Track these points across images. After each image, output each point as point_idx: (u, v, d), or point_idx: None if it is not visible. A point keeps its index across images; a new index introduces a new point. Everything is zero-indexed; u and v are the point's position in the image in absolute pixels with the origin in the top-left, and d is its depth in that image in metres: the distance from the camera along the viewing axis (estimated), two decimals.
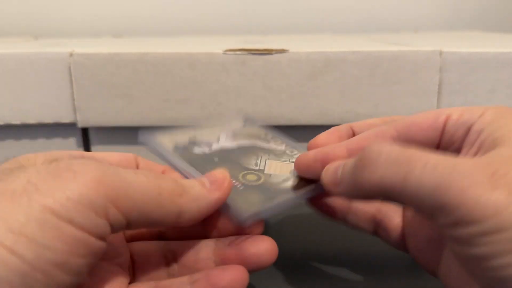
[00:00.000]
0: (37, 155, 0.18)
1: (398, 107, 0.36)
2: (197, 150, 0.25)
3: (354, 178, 0.18)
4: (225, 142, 0.27)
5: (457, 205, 0.15)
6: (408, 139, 0.21)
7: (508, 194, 0.15)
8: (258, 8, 0.75)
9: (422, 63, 0.35)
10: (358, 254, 0.28)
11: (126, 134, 0.38)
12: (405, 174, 0.16)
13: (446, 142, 0.21)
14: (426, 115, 0.21)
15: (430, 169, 0.16)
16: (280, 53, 0.35)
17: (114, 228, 0.16)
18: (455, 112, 0.20)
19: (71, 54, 0.35)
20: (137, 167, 0.24)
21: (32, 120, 0.37)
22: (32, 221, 0.14)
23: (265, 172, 0.25)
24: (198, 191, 0.19)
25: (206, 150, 0.25)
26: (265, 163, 0.26)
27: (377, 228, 0.24)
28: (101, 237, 0.16)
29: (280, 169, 0.25)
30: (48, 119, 0.37)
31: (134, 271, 0.21)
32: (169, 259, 0.22)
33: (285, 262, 0.28)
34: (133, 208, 0.16)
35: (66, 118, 0.37)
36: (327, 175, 0.21)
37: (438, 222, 0.16)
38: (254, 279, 0.27)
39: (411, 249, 0.22)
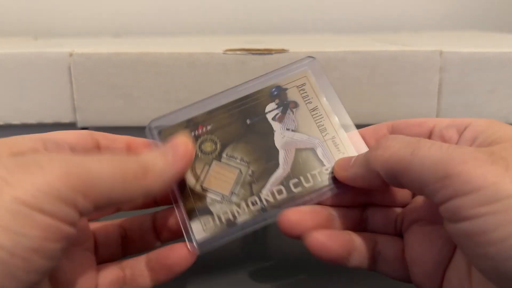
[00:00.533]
0: (7, 147, 0.18)
1: (398, 107, 0.36)
2: None
3: (366, 158, 0.20)
4: None
5: (458, 174, 0.16)
6: (397, 132, 0.23)
7: (505, 169, 0.16)
8: (258, 8, 0.75)
9: (422, 63, 0.35)
10: None
11: (126, 134, 0.38)
12: (413, 150, 0.18)
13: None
14: (420, 118, 0.23)
15: (436, 147, 0.18)
16: (280, 53, 0.35)
17: (82, 214, 0.17)
18: (444, 119, 0.22)
19: (71, 54, 0.35)
20: (97, 143, 0.23)
21: (32, 120, 0.37)
22: (5, 212, 0.15)
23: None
24: (162, 167, 0.20)
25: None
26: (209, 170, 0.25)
27: (376, 261, 0.23)
28: (71, 224, 0.16)
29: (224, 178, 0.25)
30: (48, 119, 0.37)
31: (97, 252, 0.23)
32: (124, 238, 0.24)
33: (285, 262, 0.28)
34: (100, 196, 0.17)
35: (66, 118, 0.37)
36: (340, 161, 0.23)
37: (437, 199, 0.17)
38: (254, 278, 0.27)
39: (415, 276, 0.22)
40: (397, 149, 0.19)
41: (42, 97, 0.36)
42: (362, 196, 0.24)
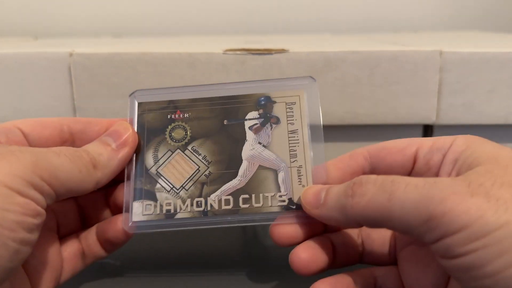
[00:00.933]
0: None
1: (398, 107, 0.36)
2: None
3: (341, 204, 0.20)
4: None
5: (441, 215, 0.16)
6: (378, 161, 0.23)
7: (485, 199, 0.16)
8: (258, 8, 0.75)
9: (422, 63, 0.35)
10: None
11: None
12: (389, 194, 0.18)
13: (421, 168, 0.22)
14: (398, 142, 0.23)
15: (411, 187, 0.17)
16: (280, 53, 0.35)
17: (47, 201, 0.20)
18: (426, 142, 0.22)
19: (71, 54, 0.35)
20: (69, 130, 0.25)
21: None
22: None
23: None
24: (107, 156, 0.23)
25: None
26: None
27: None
28: (41, 206, 0.19)
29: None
30: None
31: (58, 230, 0.25)
32: (81, 214, 0.26)
33: (285, 262, 0.28)
34: (60, 186, 0.20)
35: None
36: (308, 195, 0.22)
37: (426, 240, 0.17)
38: (254, 279, 0.27)
39: None
40: (373, 195, 0.18)
41: (42, 97, 0.36)
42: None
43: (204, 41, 0.51)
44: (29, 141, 0.24)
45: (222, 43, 0.43)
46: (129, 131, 0.24)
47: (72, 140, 0.25)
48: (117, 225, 0.24)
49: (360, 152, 0.23)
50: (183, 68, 0.35)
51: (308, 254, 0.22)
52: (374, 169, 0.23)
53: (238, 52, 0.35)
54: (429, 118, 0.36)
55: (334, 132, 0.38)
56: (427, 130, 0.38)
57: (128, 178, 0.25)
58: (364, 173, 0.23)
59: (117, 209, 0.25)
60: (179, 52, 0.35)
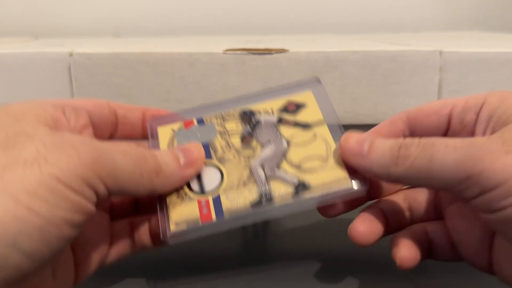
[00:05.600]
0: (34, 115, 0.20)
1: (398, 107, 0.36)
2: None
3: (387, 162, 0.21)
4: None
5: (479, 173, 0.17)
6: (416, 124, 0.24)
7: None
8: (258, 8, 0.75)
9: (422, 63, 0.35)
10: (359, 253, 0.28)
11: None
12: (430, 156, 0.19)
13: (456, 127, 0.23)
14: (432, 104, 0.24)
15: (450, 148, 0.19)
16: (280, 53, 0.35)
17: (99, 198, 0.19)
18: (459, 100, 0.23)
19: (71, 54, 0.35)
20: (114, 112, 0.25)
21: None
22: (43, 185, 0.17)
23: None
24: (172, 170, 0.22)
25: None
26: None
27: (430, 250, 0.24)
28: (92, 203, 0.19)
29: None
30: None
31: (112, 210, 0.25)
32: (135, 201, 0.26)
33: (285, 262, 0.28)
34: (116, 186, 0.20)
35: None
36: (350, 141, 0.22)
37: (466, 196, 0.18)
38: (254, 278, 0.27)
39: (465, 256, 0.23)
40: (415, 157, 0.20)
41: (42, 97, 0.36)
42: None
43: (204, 41, 0.51)
44: (92, 121, 0.24)
45: (222, 43, 0.43)
46: (200, 154, 0.24)
47: (117, 122, 0.25)
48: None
49: (399, 117, 0.24)
50: (183, 68, 0.35)
51: (365, 226, 0.23)
52: (412, 133, 0.24)
53: (238, 52, 0.35)
54: None
55: None
56: None
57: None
58: (404, 136, 0.24)
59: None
60: (179, 52, 0.35)
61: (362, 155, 0.22)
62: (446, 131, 0.23)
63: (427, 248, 0.24)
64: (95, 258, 0.23)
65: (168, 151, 0.23)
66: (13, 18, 0.74)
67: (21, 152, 0.17)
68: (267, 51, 0.35)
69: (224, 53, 0.35)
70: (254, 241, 0.32)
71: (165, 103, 0.36)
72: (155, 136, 0.26)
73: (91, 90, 0.36)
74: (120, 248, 0.24)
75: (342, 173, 0.23)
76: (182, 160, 0.23)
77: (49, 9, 0.73)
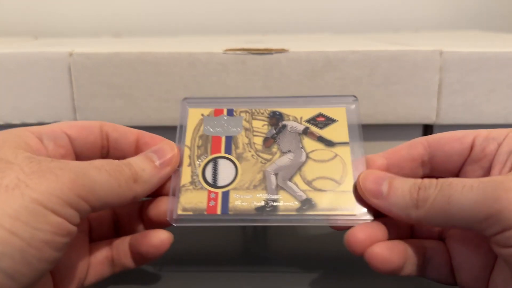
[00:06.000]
0: (13, 142, 0.21)
1: (398, 107, 0.36)
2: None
3: (407, 205, 0.21)
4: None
5: (498, 213, 0.18)
6: (437, 149, 0.24)
7: None
8: (258, 8, 0.75)
9: (422, 63, 0.35)
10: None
11: None
12: (448, 198, 0.19)
13: (477, 155, 0.23)
14: (455, 132, 0.24)
15: (467, 188, 0.19)
16: (280, 53, 0.35)
17: (82, 216, 0.20)
18: (482, 132, 0.23)
19: (71, 54, 0.35)
20: (106, 135, 0.25)
21: (32, 120, 0.37)
22: (25, 210, 0.17)
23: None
24: (149, 173, 0.23)
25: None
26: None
27: (426, 268, 0.24)
28: (74, 224, 0.19)
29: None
30: (48, 119, 0.37)
31: (91, 233, 0.26)
32: (116, 222, 0.27)
33: (285, 262, 0.28)
34: (98, 201, 0.20)
35: (66, 118, 0.37)
36: (368, 181, 0.23)
37: (487, 234, 0.19)
38: (254, 279, 0.27)
39: (463, 279, 0.23)
40: (434, 199, 0.20)
41: (42, 97, 0.36)
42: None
43: (204, 41, 0.51)
44: (75, 146, 0.24)
45: (222, 43, 0.43)
46: (174, 151, 0.25)
47: (108, 147, 0.25)
48: (151, 240, 0.24)
49: (420, 141, 0.24)
50: (183, 68, 0.35)
51: (364, 234, 0.22)
52: (432, 158, 0.24)
53: (238, 52, 0.35)
54: (429, 118, 0.36)
55: None
56: (427, 130, 0.38)
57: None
58: (423, 161, 0.24)
59: (150, 223, 0.25)
60: (179, 52, 0.35)
61: (381, 197, 0.22)
62: (467, 158, 0.23)
63: (421, 264, 0.23)
64: (74, 280, 0.23)
65: (142, 156, 0.24)
66: (13, 18, 0.73)
67: (2, 179, 0.18)
68: (267, 51, 0.35)
69: (224, 53, 0.35)
70: (254, 241, 0.32)
71: (165, 103, 0.36)
72: (185, 116, 0.27)
73: (91, 90, 0.36)
74: (99, 270, 0.24)
75: (350, 201, 0.24)
76: (157, 162, 0.24)
77: (49, 9, 0.73)
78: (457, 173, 0.24)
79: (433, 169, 0.25)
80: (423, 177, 0.25)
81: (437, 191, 0.20)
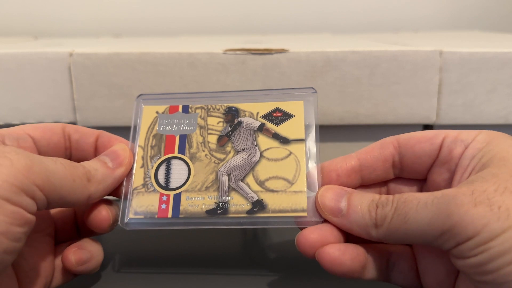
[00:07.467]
0: None
1: (398, 107, 0.36)
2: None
3: (366, 224, 0.21)
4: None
5: (450, 229, 0.18)
6: (407, 149, 0.24)
7: (487, 208, 0.17)
8: (258, 8, 0.75)
9: (422, 63, 0.35)
10: None
11: (126, 134, 0.38)
12: (404, 217, 0.19)
13: (444, 157, 0.23)
14: (426, 132, 0.24)
15: (422, 206, 0.19)
16: (280, 53, 0.35)
17: (39, 206, 0.19)
18: (453, 132, 0.23)
19: (71, 54, 0.35)
20: (69, 136, 0.25)
21: (32, 120, 0.37)
22: None
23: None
24: (102, 173, 0.23)
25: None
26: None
27: (390, 273, 0.23)
28: (31, 212, 0.19)
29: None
30: (48, 119, 0.37)
31: (56, 236, 0.26)
32: (78, 224, 0.27)
33: (284, 262, 0.28)
34: (53, 192, 0.20)
35: (66, 118, 0.37)
36: (326, 200, 0.22)
37: (444, 248, 0.19)
38: (254, 279, 0.27)
39: (428, 284, 0.22)
40: (391, 218, 0.20)
41: (42, 97, 0.36)
42: None
43: (204, 41, 0.51)
44: (38, 147, 0.24)
45: (222, 43, 0.43)
46: (126, 153, 0.25)
47: (70, 148, 0.26)
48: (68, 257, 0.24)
49: (390, 141, 0.24)
50: (183, 68, 0.35)
51: (317, 235, 0.22)
52: (402, 158, 0.24)
53: (238, 52, 0.35)
54: (429, 118, 0.36)
55: (334, 132, 0.38)
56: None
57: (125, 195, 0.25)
58: (394, 161, 0.24)
59: (89, 229, 0.25)
60: (179, 52, 0.35)
61: (341, 215, 0.22)
62: (435, 159, 0.23)
63: (384, 268, 0.23)
64: (40, 283, 0.23)
65: (94, 159, 0.24)
66: (13, 18, 0.74)
67: None
68: (267, 51, 0.35)
69: (224, 53, 0.35)
70: (253, 241, 0.32)
71: None
72: (139, 114, 0.26)
73: (91, 90, 0.36)
74: (64, 272, 0.24)
75: (301, 201, 0.23)
76: (110, 164, 0.24)
77: (49, 9, 0.73)
78: (425, 175, 0.24)
79: (402, 170, 0.24)
80: (395, 177, 0.25)
81: (394, 209, 0.20)
